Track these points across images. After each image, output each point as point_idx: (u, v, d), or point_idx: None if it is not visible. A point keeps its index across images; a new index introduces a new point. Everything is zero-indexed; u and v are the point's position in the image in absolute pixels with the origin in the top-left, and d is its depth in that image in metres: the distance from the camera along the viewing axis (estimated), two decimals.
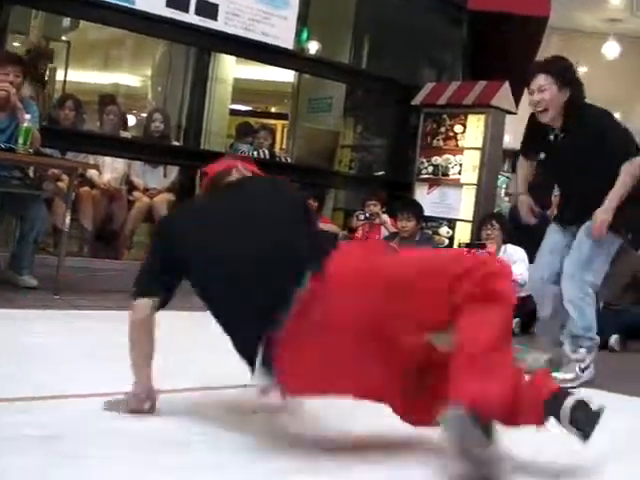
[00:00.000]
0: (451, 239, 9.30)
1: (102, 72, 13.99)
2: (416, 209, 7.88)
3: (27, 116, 5.79)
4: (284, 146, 12.73)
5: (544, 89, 4.55)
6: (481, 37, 10.85)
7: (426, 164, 9.67)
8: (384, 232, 8.24)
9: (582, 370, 4.63)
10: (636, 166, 4.51)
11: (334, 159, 11.65)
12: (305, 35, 11.24)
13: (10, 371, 3.19)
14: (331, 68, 10.54)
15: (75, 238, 7.68)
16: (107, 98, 9.09)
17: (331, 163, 11.59)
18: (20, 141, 5.69)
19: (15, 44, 10.99)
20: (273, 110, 16.77)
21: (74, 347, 3.86)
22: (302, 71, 11.11)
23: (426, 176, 9.66)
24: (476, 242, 7.63)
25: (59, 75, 12.84)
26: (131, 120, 11.29)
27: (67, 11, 9.59)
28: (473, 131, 9.39)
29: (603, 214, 4.49)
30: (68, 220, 5.98)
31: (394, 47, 10.77)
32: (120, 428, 2.67)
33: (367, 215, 8.42)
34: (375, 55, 11.44)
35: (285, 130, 13.29)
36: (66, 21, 12.53)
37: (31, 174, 6.30)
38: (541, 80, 4.57)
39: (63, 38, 13.19)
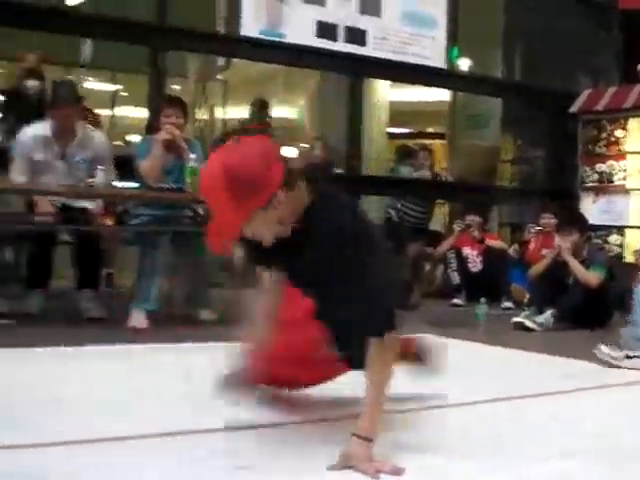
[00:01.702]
0: (621, 246, 9.04)
1: None
2: (578, 222, 7.49)
3: (192, 156, 5.94)
4: (444, 165, 12.66)
5: None
6: (635, 38, 10.53)
7: (590, 172, 9.47)
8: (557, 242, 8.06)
9: None
10: None
11: (495, 174, 11.52)
12: (455, 53, 11.17)
13: None
14: (485, 83, 10.46)
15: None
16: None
17: (492, 178, 11.46)
18: (188, 180, 5.85)
19: (174, 86, 11.35)
20: (430, 130, 16.72)
21: None
22: (456, 89, 11.07)
23: (591, 184, 9.45)
24: None
25: (218, 113, 13.21)
26: (290, 151, 11.44)
27: (221, 51, 9.87)
28: (635, 135, 9.13)
29: None
30: (239, 254, 6.08)
31: (546, 56, 10.57)
32: None
33: (539, 227, 8.33)
34: (528, 66, 11.26)
35: (444, 149, 13.22)
36: (221, 60, 12.87)
37: (201, 212, 6.46)
38: None
39: (219, 77, 13.56)
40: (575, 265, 6.87)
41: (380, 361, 2.47)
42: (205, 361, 2.75)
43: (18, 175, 5.87)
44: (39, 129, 5.95)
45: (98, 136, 6.29)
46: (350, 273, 2.44)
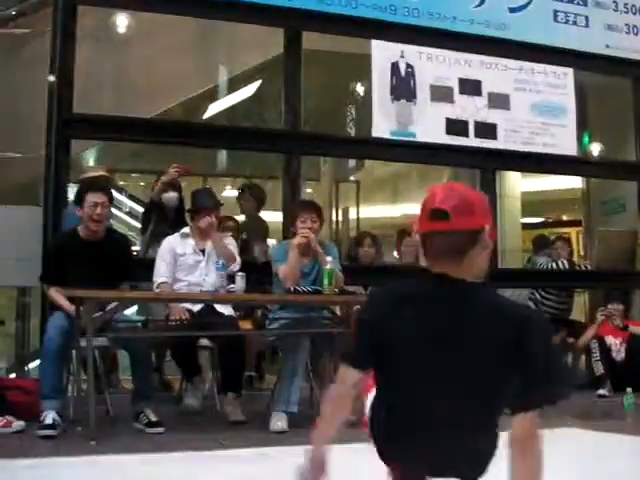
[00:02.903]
0: None
1: (391, 205, 14.42)
2: None
3: (329, 258, 6.06)
4: (581, 253, 12.46)
5: None
6: None
7: None
8: None
9: None
10: None
11: (635, 259, 11.26)
12: (587, 139, 11.10)
13: None
14: (618, 168, 10.30)
15: None
16: (403, 232, 9.32)
17: (632, 264, 11.20)
18: (325, 282, 5.95)
19: (308, 190, 11.59)
20: (565, 218, 16.52)
21: None
22: (589, 175, 10.93)
23: None
24: None
25: (352, 213, 13.38)
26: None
27: (353, 153, 10.07)
28: None
29: None
30: None
31: None
32: None
33: None
34: None
35: (580, 236, 13.03)
36: (352, 162, 13.10)
37: (338, 312, 6.53)
38: None
39: (352, 178, 13.77)
40: None
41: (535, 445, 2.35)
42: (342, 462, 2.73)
43: (160, 276, 6.15)
44: (181, 232, 6.37)
45: (229, 240, 6.54)
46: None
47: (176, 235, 6.41)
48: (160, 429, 5.53)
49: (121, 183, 12.53)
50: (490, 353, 2.40)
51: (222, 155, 12.52)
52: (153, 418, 5.59)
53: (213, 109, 11.98)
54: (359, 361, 2.59)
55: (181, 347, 6.30)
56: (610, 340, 8.40)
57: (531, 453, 2.34)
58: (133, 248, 7.38)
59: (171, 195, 7.03)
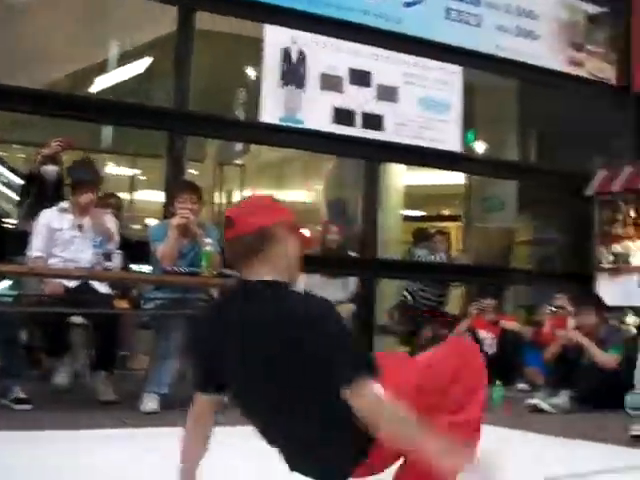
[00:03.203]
0: (638, 328, 9.00)
1: (275, 190, 14.42)
2: (595, 302, 7.52)
3: (208, 240, 6.02)
4: (459, 248, 12.70)
5: None
6: None
7: (606, 253, 9.46)
8: (570, 324, 8.04)
9: None
10: None
11: (511, 256, 11.55)
12: (471, 136, 11.30)
13: None
14: (500, 167, 10.54)
15: None
16: None
17: (508, 261, 11.48)
18: (203, 264, 5.92)
19: (192, 171, 11.50)
20: (445, 213, 16.80)
21: None
22: (472, 172, 11.14)
23: (607, 265, 9.44)
24: None
25: (236, 197, 13.33)
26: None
27: (240, 137, 10.03)
28: None
29: None
30: None
31: (561, 139, 10.66)
32: None
33: (552, 309, 8.33)
34: (543, 149, 11.38)
35: (459, 232, 13.27)
36: (239, 146, 13.04)
37: (215, 294, 6.50)
38: None
39: (237, 162, 13.72)
40: (591, 347, 6.87)
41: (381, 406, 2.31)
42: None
43: (35, 250, 5.99)
44: (59, 206, 6.15)
45: (108, 220, 6.43)
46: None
47: (54, 209, 6.24)
48: (27, 406, 5.43)
49: (0, 154, 12.20)
50: (277, 352, 2.41)
51: (108, 131, 12.31)
52: (21, 395, 5.47)
53: (101, 83, 11.78)
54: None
55: (50, 324, 6.16)
56: (483, 334, 8.58)
57: (384, 421, 2.32)
58: (9, 221, 7.20)
59: (51, 168, 6.85)
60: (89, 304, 6.03)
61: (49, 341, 6.41)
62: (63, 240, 6.15)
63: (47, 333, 6.37)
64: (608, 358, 6.81)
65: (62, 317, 6.10)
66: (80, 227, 6.20)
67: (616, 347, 6.90)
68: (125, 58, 11.58)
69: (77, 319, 6.24)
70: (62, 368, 6.28)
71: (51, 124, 8.99)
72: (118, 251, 6.08)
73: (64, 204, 6.27)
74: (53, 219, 6.16)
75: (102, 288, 6.21)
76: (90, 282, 6.14)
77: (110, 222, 6.40)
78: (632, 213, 9.30)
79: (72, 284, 6.09)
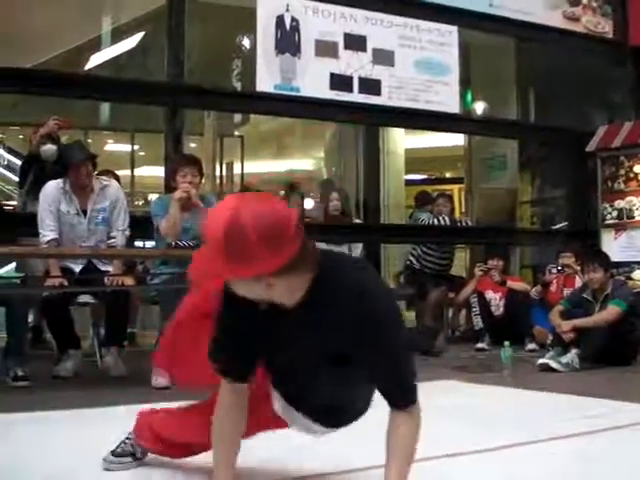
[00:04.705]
0: None
1: (276, 160, 14.41)
2: (601, 259, 7.47)
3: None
4: (463, 210, 12.68)
5: None
6: None
7: (610, 209, 9.43)
8: (578, 283, 8.03)
9: None
10: None
11: (514, 216, 11.53)
12: (469, 97, 11.26)
13: None
14: (500, 126, 10.50)
15: None
16: (288, 186, 9.34)
17: (512, 221, 11.46)
18: None
19: (191, 145, 11.48)
20: (448, 175, 16.77)
21: None
22: (471, 133, 11.11)
23: (611, 221, 9.42)
24: None
25: (236, 168, 13.31)
26: (310, 203, 11.51)
27: (237, 108, 9.99)
28: None
29: None
30: None
31: (560, 96, 10.62)
32: None
33: (559, 268, 8.31)
34: (542, 106, 11.31)
35: (462, 193, 13.25)
36: (237, 117, 13.01)
37: None
38: None
39: (236, 133, 13.69)
40: (590, 322, 6.83)
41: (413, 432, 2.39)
42: None
43: (48, 231, 5.98)
44: (60, 184, 6.11)
45: (113, 185, 6.42)
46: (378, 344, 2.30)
47: (57, 188, 6.18)
48: (25, 382, 5.44)
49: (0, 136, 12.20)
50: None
51: (105, 107, 12.27)
52: (20, 372, 5.49)
53: (95, 60, 11.72)
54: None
55: (56, 320, 6.13)
56: (490, 295, 8.58)
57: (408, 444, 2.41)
58: (11, 202, 7.18)
59: (49, 147, 6.79)
60: (96, 283, 6.03)
61: (54, 335, 6.34)
62: (68, 224, 6.11)
63: (52, 327, 6.31)
64: (608, 314, 6.79)
65: (68, 302, 6.09)
66: (85, 212, 6.17)
67: (617, 300, 6.87)
68: (119, 34, 11.51)
69: (85, 298, 6.23)
70: (66, 361, 6.20)
71: (48, 104, 8.94)
72: (120, 228, 6.12)
73: (66, 186, 6.20)
74: (59, 199, 6.11)
75: (109, 268, 6.21)
76: (96, 264, 6.15)
77: (115, 187, 6.40)
78: (635, 168, 9.25)
79: (78, 268, 6.11)
